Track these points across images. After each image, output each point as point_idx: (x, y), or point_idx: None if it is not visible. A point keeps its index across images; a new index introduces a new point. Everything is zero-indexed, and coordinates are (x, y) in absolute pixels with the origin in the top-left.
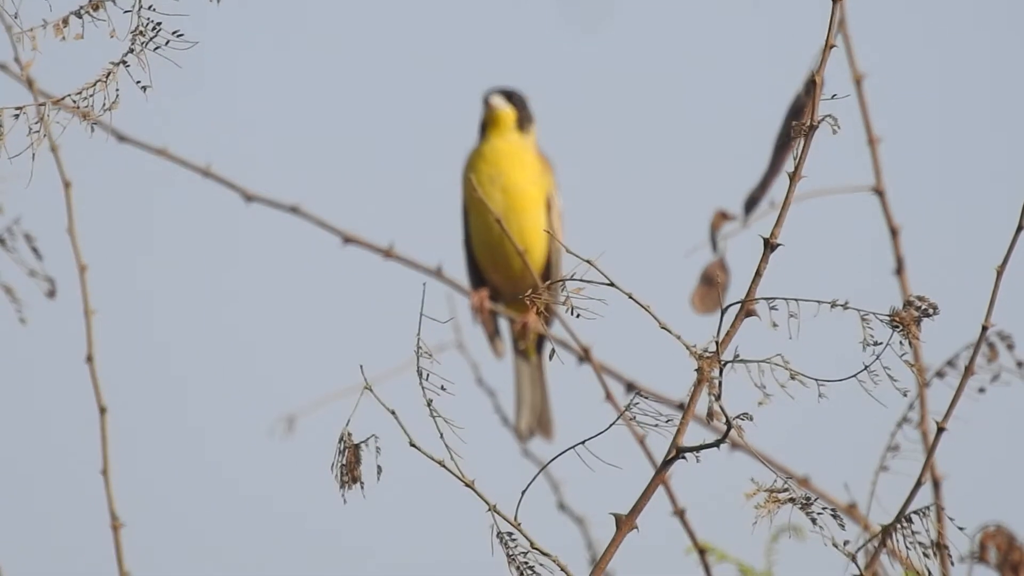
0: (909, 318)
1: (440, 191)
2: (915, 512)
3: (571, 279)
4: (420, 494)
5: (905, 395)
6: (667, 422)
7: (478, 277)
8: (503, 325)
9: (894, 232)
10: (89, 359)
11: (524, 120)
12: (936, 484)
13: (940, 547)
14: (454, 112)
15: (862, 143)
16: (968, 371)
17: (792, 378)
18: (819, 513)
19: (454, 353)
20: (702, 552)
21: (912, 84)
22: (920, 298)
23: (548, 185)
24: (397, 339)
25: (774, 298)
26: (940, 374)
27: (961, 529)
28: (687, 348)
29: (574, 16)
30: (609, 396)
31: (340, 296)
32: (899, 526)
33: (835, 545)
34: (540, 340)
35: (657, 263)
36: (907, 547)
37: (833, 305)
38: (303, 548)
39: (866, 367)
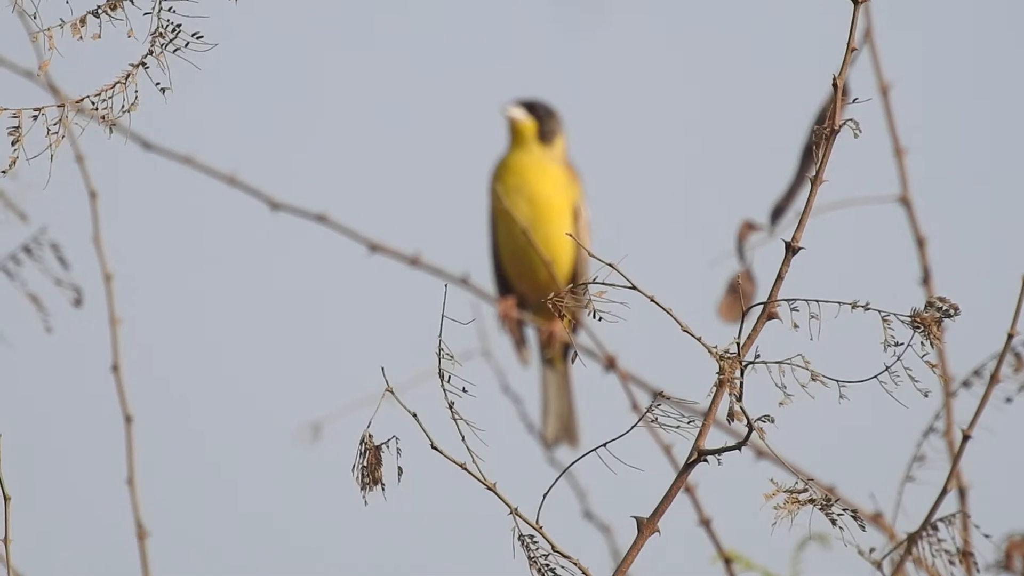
0: (930, 319)
1: (467, 199)
2: (941, 520)
3: (593, 282)
4: (443, 498)
5: (927, 396)
6: (689, 423)
7: (504, 286)
8: (529, 334)
9: (921, 242)
10: (115, 368)
11: (549, 130)
12: (962, 493)
13: (966, 555)
14: (483, 119)
15: (889, 153)
16: (994, 379)
17: (813, 379)
18: (839, 515)
19: (480, 361)
20: (728, 561)
21: (940, 94)
22: (941, 299)
23: (575, 195)
24: (423, 348)
25: (795, 299)
26: (966, 384)
27: (987, 536)
28: (708, 350)
29: (575, 19)
30: (635, 405)
31: (366, 305)
32: (925, 534)
33: (860, 552)
34: (566, 349)
35: (684, 273)
36: (932, 555)
37: (854, 306)
38: (326, 553)
39: (887, 368)
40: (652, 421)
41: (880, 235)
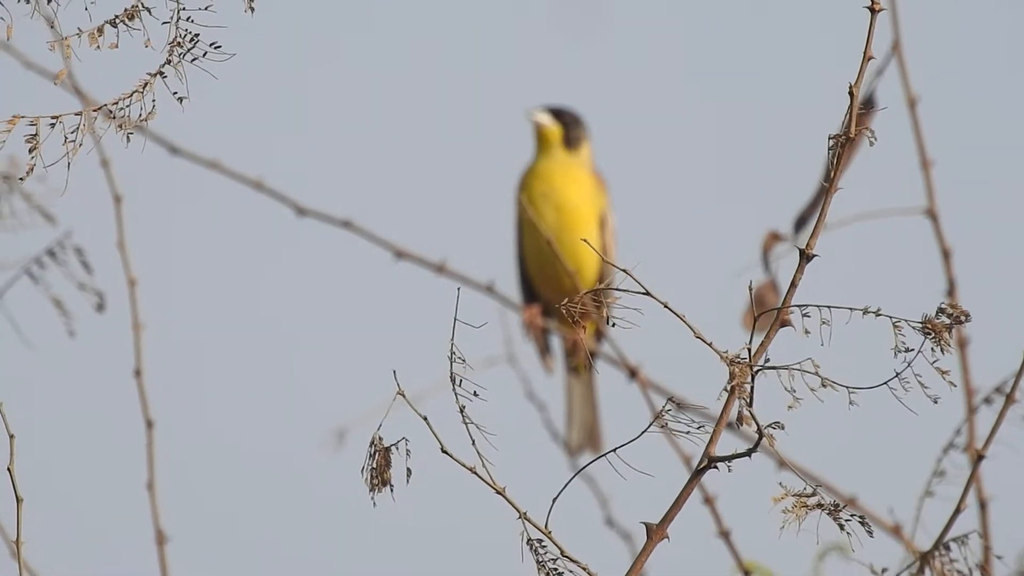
0: (941, 325)
1: (494, 206)
2: (953, 540)
3: (606, 288)
4: (456, 502)
5: (936, 402)
6: (699, 428)
7: (530, 293)
8: (554, 341)
9: (946, 254)
10: (137, 373)
11: (575, 137)
12: (983, 505)
13: (984, 571)
14: (509, 126)
15: (916, 165)
16: (1009, 399)
17: (823, 384)
18: (847, 520)
19: (505, 368)
20: (747, 573)
21: (967, 106)
22: (952, 306)
23: (602, 203)
24: (446, 354)
25: (806, 305)
26: (988, 400)
27: (999, 558)
28: (719, 355)
29: (570, 23)
30: (656, 414)
31: (392, 311)
32: (938, 553)
33: (874, 572)
34: (591, 357)
35: (710, 283)
36: (946, 573)
37: (865, 312)
38: (338, 557)
39: (897, 374)
40: (663, 427)
41: (906, 247)
